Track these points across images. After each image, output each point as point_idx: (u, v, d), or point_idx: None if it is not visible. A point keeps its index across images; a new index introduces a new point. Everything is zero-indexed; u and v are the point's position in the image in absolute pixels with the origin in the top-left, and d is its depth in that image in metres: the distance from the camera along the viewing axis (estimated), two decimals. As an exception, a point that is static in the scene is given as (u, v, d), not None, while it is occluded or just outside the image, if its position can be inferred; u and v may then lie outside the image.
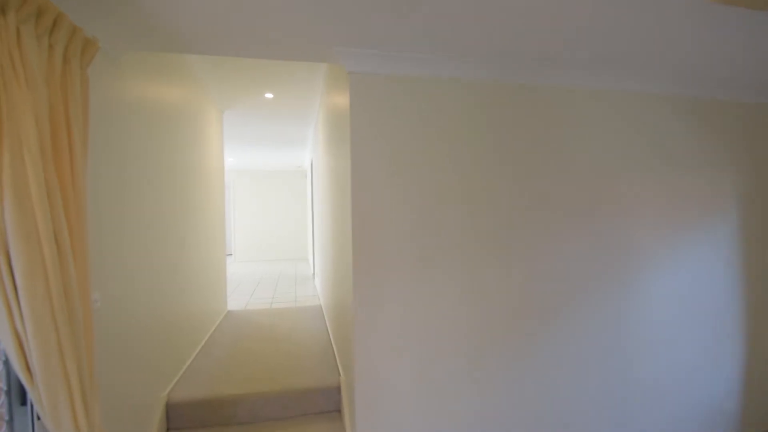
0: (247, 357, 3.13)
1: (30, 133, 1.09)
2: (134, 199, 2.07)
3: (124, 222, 1.94)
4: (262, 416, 2.49)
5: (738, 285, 2.53)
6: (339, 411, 2.58)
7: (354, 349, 1.99)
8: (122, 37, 1.75)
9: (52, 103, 1.24)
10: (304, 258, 10.35)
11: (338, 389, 2.60)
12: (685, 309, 2.44)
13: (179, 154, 2.91)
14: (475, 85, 2.09)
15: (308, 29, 1.69)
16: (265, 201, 10.25)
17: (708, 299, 2.48)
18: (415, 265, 2.03)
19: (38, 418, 1.33)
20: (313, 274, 7.21)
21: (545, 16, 1.59)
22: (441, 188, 2.05)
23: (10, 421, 1.33)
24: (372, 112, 1.97)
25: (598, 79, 2.22)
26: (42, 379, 1.13)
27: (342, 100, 2.29)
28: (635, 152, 2.33)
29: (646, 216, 2.35)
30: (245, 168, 9.92)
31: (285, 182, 10.35)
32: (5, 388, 1.33)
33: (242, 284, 6.63)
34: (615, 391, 2.33)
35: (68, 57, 1.32)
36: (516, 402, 2.18)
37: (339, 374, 2.72)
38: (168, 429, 2.40)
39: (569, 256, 2.23)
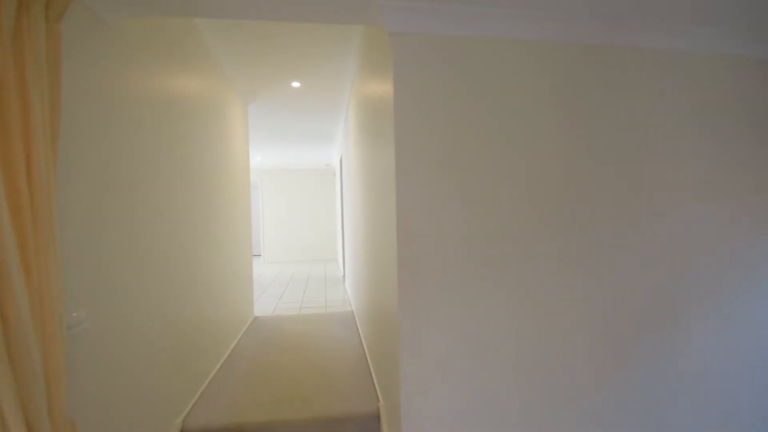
0: (274, 373, 2.79)
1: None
2: (143, 199, 1.75)
3: (127, 224, 1.63)
4: (289, 449, 2.13)
5: None
6: (378, 444, 2.20)
7: (400, 373, 1.59)
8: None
9: (-3, 61, 0.90)
10: (333, 259, 10.07)
11: (377, 417, 2.21)
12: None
13: (198, 149, 2.60)
14: (541, 47, 1.65)
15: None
16: (294, 200, 10.04)
17: None
18: (474, 271, 1.62)
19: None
20: (343, 276, 6.89)
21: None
22: (502, 176, 1.63)
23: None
24: (419, 84, 1.57)
25: (687, 39, 1.74)
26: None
27: (380, 80, 1.90)
28: (734, 132, 1.82)
29: (752, 215, 1.84)
30: (273, 167, 9.74)
31: (314, 181, 10.10)
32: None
33: (271, 287, 6.38)
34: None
35: (26, 3, 0.99)
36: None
37: (377, 399, 2.34)
38: (183, 461, 2.09)
39: (655, 261, 1.76)
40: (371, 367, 2.75)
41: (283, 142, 6.68)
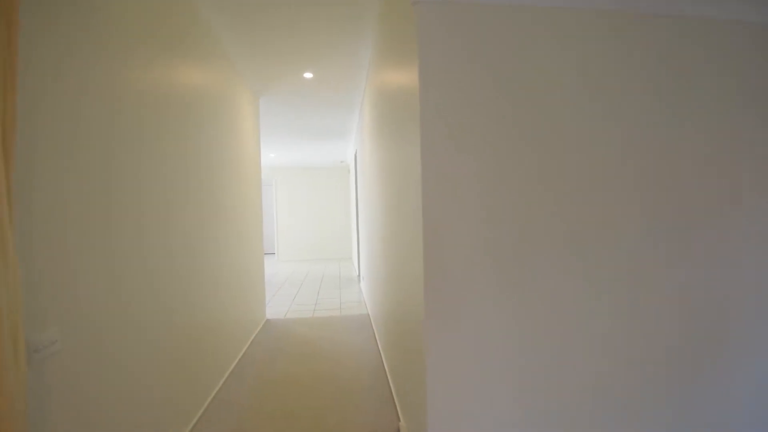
0: (286, 383, 2.60)
1: None
2: (146, 196, 1.57)
3: (130, 223, 1.44)
4: (300, 472, 1.93)
5: None
6: (399, 468, 1.98)
7: (426, 392, 1.37)
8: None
9: None
10: (347, 258, 9.90)
11: (397, 439, 2.00)
12: None
13: (206, 144, 2.42)
14: (585, 17, 1.40)
15: None
16: (308, 198, 9.90)
17: None
18: (511, 275, 1.38)
19: None
20: (359, 276, 6.69)
21: None
22: (541, 170, 1.39)
23: None
24: (449, 64, 1.33)
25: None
26: None
27: (401, 63, 1.67)
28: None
29: None
30: (287, 164, 9.60)
31: (328, 178, 9.94)
32: None
33: (284, 287, 6.22)
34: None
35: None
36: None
37: (398, 418, 2.11)
38: (185, 483, 1.90)
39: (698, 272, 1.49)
40: (390, 380, 2.53)
41: (296, 139, 6.51)
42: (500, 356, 1.38)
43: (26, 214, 1.02)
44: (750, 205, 1.50)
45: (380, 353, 3.09)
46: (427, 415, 1.37)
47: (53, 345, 1.07)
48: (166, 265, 1.84)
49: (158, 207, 1.77)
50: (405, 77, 1.61)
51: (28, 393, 0.90)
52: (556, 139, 1.39)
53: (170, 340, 1.86)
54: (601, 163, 1.41)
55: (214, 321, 2.53)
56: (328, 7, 2.44)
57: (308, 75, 3.59)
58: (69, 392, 1.16)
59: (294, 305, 4.95)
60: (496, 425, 1.39)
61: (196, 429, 2.06)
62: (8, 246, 0.83)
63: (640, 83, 1.42)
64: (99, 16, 1.36)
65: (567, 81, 1.39)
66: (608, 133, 1.41)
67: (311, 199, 9.91)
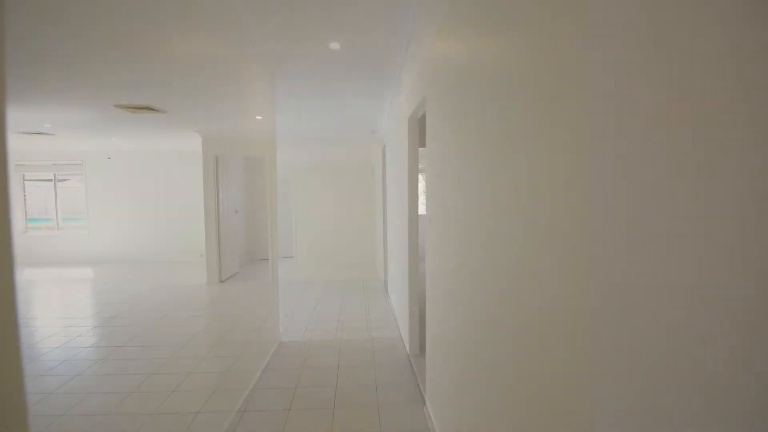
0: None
1: None
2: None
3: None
4: None
5: None
6: None
7: None
8: None
9: None
10: (371, 264, 9.20)
11: None
12: None
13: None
14: None
15: None
16: (329, 199, 9.27)
17: None
18: None
19: None
20: (386, 285, 5.99)
21: None
22: None
23: None
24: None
25: None
26: None
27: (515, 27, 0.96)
28: None
29: None
30: (307, 164, 9.01)
31: (349, 176, 9.28)
32: None
33: (304, 296, 5.56)
34: None
35: None
36: None
37: None
38: None
39: None
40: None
41: (318, 132, 5.88)
42: None
43: None
44: None
45: (422, 395, 2.36)
46: None
47: None
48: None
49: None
50: (528, 45, 0.92)
51: None
52: None
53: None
54: None
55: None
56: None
57: (335, 45, 2.91)
58: None
59: (313, 321, 4.26)
60: None
61: None
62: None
63: None
64: None
65: None
66: None
67: (332, 201, 9.28)
